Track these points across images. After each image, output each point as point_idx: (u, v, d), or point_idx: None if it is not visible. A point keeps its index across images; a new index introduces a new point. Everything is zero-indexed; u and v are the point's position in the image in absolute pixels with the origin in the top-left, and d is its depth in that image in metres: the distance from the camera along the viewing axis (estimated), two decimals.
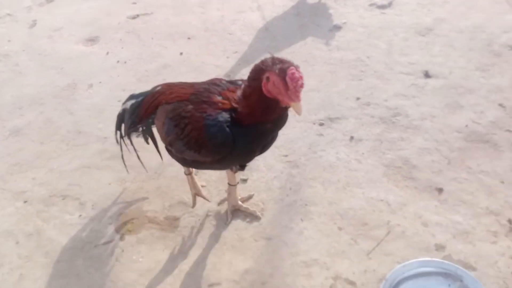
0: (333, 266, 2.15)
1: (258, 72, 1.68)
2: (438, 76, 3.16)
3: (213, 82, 1.96)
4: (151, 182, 2.64)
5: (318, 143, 2.78)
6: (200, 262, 2.23)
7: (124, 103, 2.26)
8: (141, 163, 2.40)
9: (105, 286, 2.15)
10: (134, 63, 3.63)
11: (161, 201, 2.54)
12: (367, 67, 3.33)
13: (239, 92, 1.83)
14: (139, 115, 2.16)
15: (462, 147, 2.66)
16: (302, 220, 2.37)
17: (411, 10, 3.82)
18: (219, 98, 1.86)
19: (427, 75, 3.17)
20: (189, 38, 3.83)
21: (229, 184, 2.37)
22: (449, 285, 2.01)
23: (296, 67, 1.59)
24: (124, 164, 2.41)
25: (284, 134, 2.79)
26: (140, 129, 2.25)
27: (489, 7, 3.80)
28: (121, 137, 2.32)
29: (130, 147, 2.33)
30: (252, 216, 2.39)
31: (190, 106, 1.89)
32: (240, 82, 1.92)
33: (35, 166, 2.79)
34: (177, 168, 2.71)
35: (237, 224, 2.39)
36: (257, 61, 1.70)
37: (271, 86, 1.63)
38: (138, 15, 4.26)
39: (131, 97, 2.25)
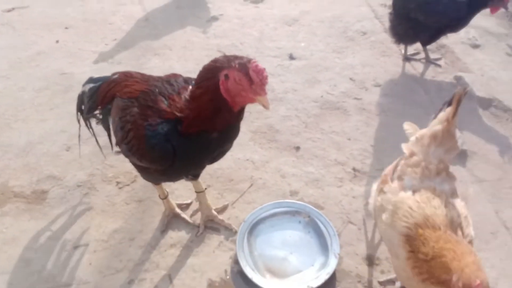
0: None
1: (213, 71, 1.56)
2: (301, 58, 3.54)
3: (168, 80, 1.84)
4: (19, 160, 2.60)
5: None
6: (67, 228, 2.26)
7: (83, 85, 2.15)
8: (99, 147, 2.32)
9: None
10: (6, 52, 3.52)
11: (28, 176, 2.51)
12: (240, 51, 3.61)
13: (185, 95, 1.69)
14: (96, 102, 2.07)
15: (318, 113, 3.03)
16: (173, 182, 2.51)
17: (281, 4, 4.22)
18: (164, 105, 1.71)
19: (291, 57, 3.54)
20: (66, 28, 3.81)
21: (196, 192, 2.30)
22: (300, 221, 2.29)
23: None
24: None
25: None
26: (99, 116, 2.15)
27: (348, 1, 4.33)
28: (82, 118, 2.21)
29: (90, 130, 2.25)
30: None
31: (135, 109, 1.77)
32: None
33: None
34: (48, 146, 2.70)
35: (109, 191, 2.46)
36: (208, 62, 1.62)
37: (231, 84, 1.51)
38: (13, 8, 4.13)
39: (90, 80, 2.14)
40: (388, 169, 1.89)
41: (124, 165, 2.54)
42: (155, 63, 3.44)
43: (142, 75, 2.00)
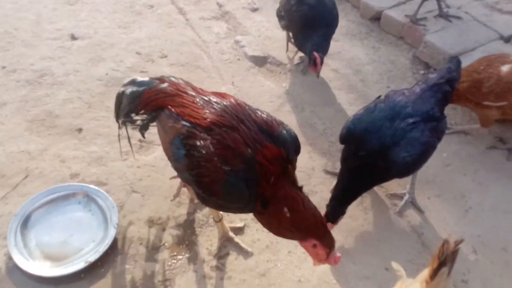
0: None
1: (305, 234, 1.67)
2: (84, 37, 3.43)
3: (240, 119, 1.71)
4: None
5: None
6: None
7: (124, 85, 2.00)
8: (131, 147, 2.24)
9: None
10: None
11: None
12: (14, 38, 3.34)
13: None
14: (137, 107, 1.95)
15: (103, 92, 3.01)
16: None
17: None
18: (248, 152, 1.64)
19: (73, 37, 3.41)
20: None
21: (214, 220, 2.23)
22: (79, 202, 2.30)
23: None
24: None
25: None
26: (138, 122, 2.03)
27: None
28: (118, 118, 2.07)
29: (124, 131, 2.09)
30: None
31: (210, 145, 1.64)
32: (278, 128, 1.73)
33: None
34: None
35: None
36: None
37: (312, 250, 1.69)
38: None
39: (133, 82, 1.99)
40: None
41: None
42: None
43: (195, 89, 1.89)
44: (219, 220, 2.18)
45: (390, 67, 3.38)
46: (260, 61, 3.44)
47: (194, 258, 2.14)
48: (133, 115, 2.01)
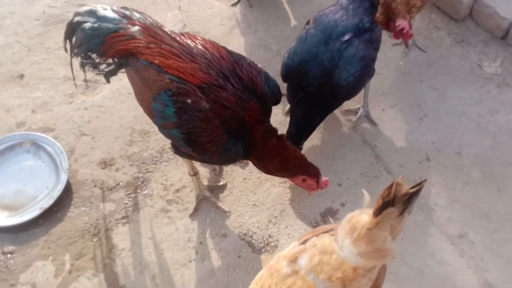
0: None
1: (293, 172, 1.84)
2: None
3: (226, 75, 1.67)
4: None
5: None
6: None
7: (80, 14, 1.75)
8: (73, 77, 1.97)
9: None
10: None
11: None
12: None
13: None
14: (99, 49, 1.74)
15: (42, 32, 2.83)
16: None
17: None
18: (243, 112, 1.67)
19: None
20: None
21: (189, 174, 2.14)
22: (28, 150, 2.27)
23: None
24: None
25: None
26: (102, 67, 1.81)
27: None
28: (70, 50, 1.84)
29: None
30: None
31: (206, 105, 1.60)
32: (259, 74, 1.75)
33: None
34: None
35: None
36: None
37: (303, 183, 1.87)
38: None
39: (93, 14, 1.73)
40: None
41: None
42: None
43: (172, 37, 1.71)
44: (194, 174, 2.09)
45: None
46: None
47: (150, 195, 2.17)
48: (94, 56, 1.79)
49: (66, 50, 1.87)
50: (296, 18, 2.96)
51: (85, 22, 1.75)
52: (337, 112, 2.50)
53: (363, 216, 1.25)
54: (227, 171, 2.26)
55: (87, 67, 1.83)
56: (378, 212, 1.20)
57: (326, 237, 1.31)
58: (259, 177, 2.24)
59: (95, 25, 1.74)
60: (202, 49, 1.70)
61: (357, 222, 1.24)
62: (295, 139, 2.05)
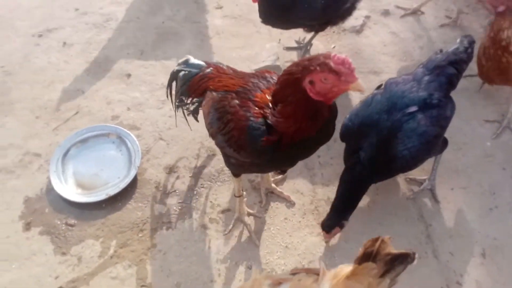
0: (25, 145, 2.62)
1: (294, 84, 1.56)
2: None
3: (263, 76, 1.86)
4: None
5: (34, 53, 3.13)
6: None
7: (179, 64, 2.13)
8: (176, 121, 2.42)
9: None
10: None
11: None
12: None
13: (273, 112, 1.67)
14: (187, 92, 2.10)
15: (155, 40, 3.22)
16: (6, 115, 2.76)
17: None
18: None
19: None
20: None
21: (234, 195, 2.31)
22: (113, 141, 2.61)
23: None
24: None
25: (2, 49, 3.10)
26: (189, 106, 2.18)
27: None
28: (171, 94, 2.23)
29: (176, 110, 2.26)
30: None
31: (236, 101, 1.77)
32: None
33: None
34: None
35: None
36: (282, 75, 1.63)
37: (319, 86, 1.52)
38: None
39: (186, 63, 2.12)
40: None
41: None
42: None
43: (235, 70, 2.03)
44: (238, 196, 2.24)
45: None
46: None
47: (197, 208, 2.35)
48: (184, 98, 2.14)
49: (167, 95, 2.22)
50: (390, 72, 2.93)
51: (181, 70, 2.10)
52: (401, 178, 2.43)
53: (348, 267, 1.30)
54: (271, 207, 2.35)
55: (181, 108, 2.20)
56: (359, 262, 1.23)
57: (312, 278, 1.37)
58: (299, 221, 2.29)
59: (186, 71, 2.09)
60: (257, 74, 1.90)
61: (341, 271, 1.30)
62: (338, 210, 2.05)
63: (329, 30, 3.20)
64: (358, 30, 3.20)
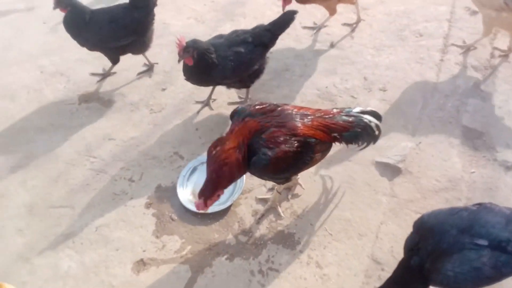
0: (179, 147, 3.48)
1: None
2: (339, 47, 3.98)
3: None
4: None
5: None
6: None
7: (366, 117, 2.63)
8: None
9: None
10: None
11: None
12: None
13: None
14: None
15: (312, 101, 3.61)
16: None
17: None
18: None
19: (332, 45, 4.02)
20: None
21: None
22: None
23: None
24: None
25: None
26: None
27: None
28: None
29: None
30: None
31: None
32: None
33: None
34: None
35: None
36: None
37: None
38: None
39: (376, 114, 2.68)
40: None
41: None
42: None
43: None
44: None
45: None
46: None
47: (258, 254, 2.77)
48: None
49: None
50: None
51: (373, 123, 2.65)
52: None
53: None
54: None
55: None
56: None
57: None
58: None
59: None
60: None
61: None
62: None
63: None
64: None
